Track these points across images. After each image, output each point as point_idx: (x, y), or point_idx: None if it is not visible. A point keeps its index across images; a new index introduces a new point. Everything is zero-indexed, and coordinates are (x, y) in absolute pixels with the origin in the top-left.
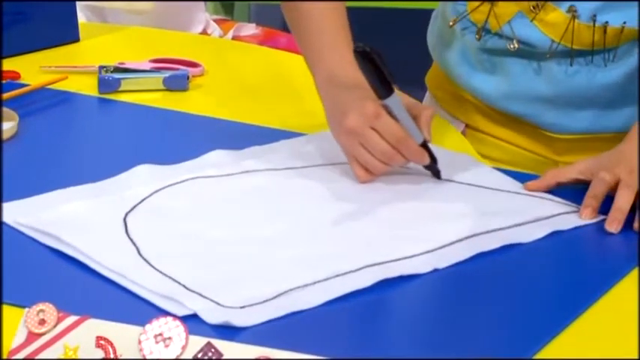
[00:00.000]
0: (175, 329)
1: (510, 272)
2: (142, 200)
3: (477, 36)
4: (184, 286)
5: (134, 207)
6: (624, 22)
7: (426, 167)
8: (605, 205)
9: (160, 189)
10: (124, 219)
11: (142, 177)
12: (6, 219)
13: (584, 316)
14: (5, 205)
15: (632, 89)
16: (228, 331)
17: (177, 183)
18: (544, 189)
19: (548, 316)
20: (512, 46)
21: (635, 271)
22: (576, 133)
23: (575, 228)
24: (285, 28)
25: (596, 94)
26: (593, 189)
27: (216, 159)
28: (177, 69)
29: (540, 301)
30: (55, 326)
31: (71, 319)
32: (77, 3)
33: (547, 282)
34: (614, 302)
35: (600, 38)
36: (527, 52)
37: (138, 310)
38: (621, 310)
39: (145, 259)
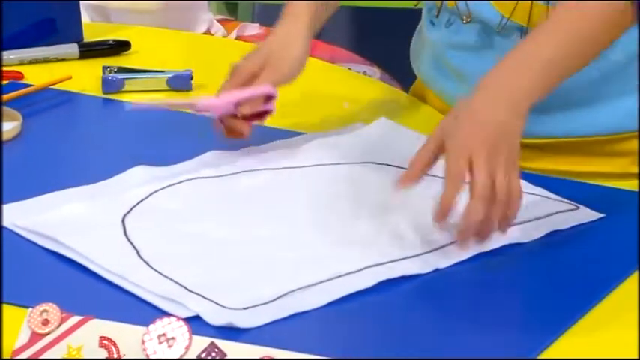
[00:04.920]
0: (179, 329)
1: (512, 272)
2: (140, 202)
3: (435, 14)
4: (185, 287)
5: (132, 209)
6: None
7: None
8: (604, 206)
9: (158, 190)
10: (122, 221)
11: (138, 178)
12: (4, 222)
13: (586, 317)
14: (2, 208)
15: (598, 92)
16: (231, 332)
17: (175, 184)
18: (417, 178)
19: (549, 316)
20: (465, 19)
21: (635, 273)
22: (538, 137)
23: (575, 229)
24: None
25: (553, 96)
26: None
27: (213, 159)
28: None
29: (541, 301)
30: (58, 326)
31: (74, 319)
32: (81, 3)
33: (549, 282)
34: (614, 303)
35: None
36: (482, 32)
37: (141, 310)
38: (622, 312)
39: (144, 261)
